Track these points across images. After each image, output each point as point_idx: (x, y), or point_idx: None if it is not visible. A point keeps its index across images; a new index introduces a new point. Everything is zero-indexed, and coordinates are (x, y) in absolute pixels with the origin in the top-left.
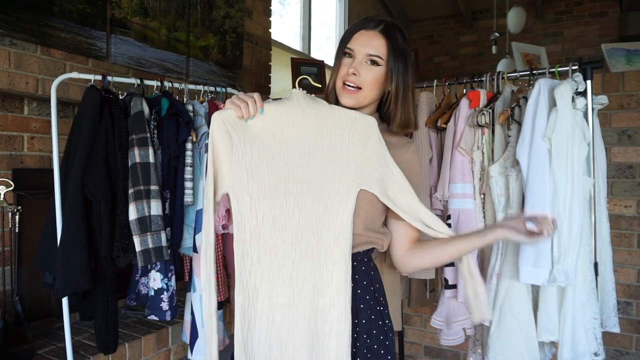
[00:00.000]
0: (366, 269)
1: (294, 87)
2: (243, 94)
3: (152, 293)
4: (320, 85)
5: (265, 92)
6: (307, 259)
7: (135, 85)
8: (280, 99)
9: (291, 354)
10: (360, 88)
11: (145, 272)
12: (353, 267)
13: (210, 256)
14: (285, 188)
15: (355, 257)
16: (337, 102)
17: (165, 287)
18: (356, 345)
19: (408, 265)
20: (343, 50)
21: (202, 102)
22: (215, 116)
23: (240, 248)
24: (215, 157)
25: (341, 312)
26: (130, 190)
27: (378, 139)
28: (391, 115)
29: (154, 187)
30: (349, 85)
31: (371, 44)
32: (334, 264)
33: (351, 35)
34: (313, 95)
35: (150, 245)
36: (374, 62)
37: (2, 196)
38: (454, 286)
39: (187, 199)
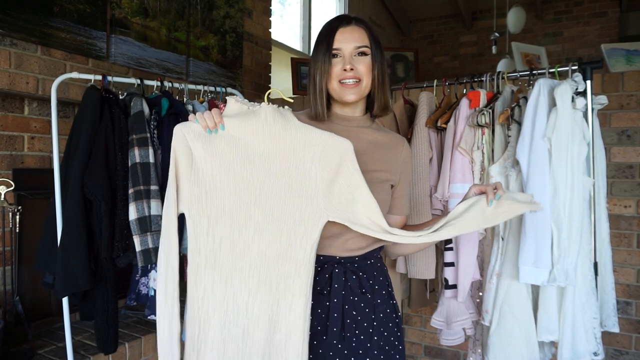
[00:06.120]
0: (380, 265)
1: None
2: (208, 113)
3: (152, 293)
4: (292, 100)
5: (265, 91)
6: (265, 289)
7: (135, 85)
8: (249, 109)
9: None
10: (359, 80)
11: (145, 272)
12: (370, 264)
13: (173, 278)
14: (247, 212)
15: (371, 254)
16: (329, 105)
17: None
18: (373, 339)
19: (395, 252)
20: (331, 53)
21: (202, 102)
22: (177, 129)
23: (194, 274)
24: (177, 173)
25: (297, 348)
26: (130, 190)
27: (352, 164)
28: (374, 99)
29: (154, 187)
30: (348, 82)
31: (355, 37)
32: (293, 297)
33: (332, 35)
34: (287, 107)
35: (150, 245)
36: (362, 53)
37: (2, 196)
38: (454, 286)
39: None
